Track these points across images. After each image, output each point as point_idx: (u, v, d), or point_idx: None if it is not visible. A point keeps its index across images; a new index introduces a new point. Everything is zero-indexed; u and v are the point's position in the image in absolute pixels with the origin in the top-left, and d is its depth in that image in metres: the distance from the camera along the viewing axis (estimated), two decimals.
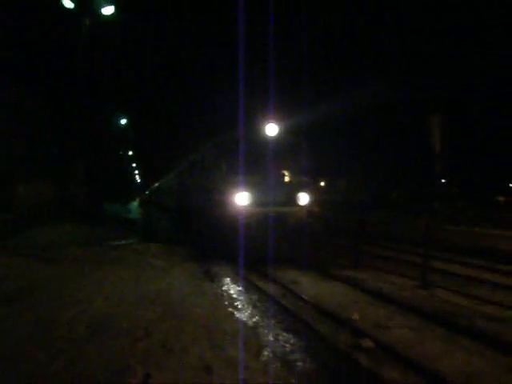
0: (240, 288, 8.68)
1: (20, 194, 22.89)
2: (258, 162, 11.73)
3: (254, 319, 6.62)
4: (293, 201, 11.83)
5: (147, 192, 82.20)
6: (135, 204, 68.48)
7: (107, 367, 4.26)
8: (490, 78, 47.66)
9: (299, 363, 4.94)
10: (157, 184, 50.96)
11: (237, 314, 6.69)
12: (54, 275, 8.67)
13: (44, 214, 21.17)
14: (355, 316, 6.62)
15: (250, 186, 11.27)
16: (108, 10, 17.33)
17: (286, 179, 11.99)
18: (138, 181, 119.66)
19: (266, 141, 11.92)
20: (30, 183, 23.75)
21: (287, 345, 5.53)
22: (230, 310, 6.93)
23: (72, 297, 6.94)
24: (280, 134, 12.21)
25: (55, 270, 9.22)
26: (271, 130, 12.01)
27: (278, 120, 12.22)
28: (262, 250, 10.58)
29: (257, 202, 11.29)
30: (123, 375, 4.09)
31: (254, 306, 7.35)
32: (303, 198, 11.94)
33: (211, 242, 12.69)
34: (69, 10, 16.98)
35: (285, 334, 5.97)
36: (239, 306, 7.27)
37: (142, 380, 4.02)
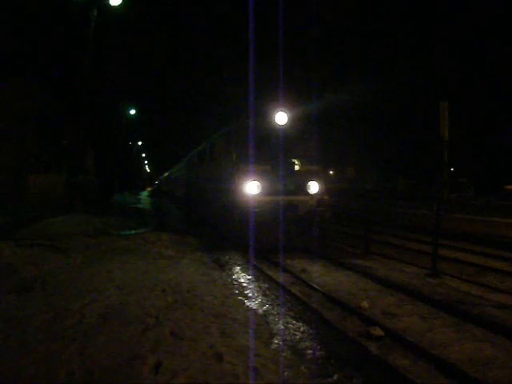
0: (250, 276, 8.71)
1: (31, 186, 23.05)
2: (268, 151, 11.73)
3: (264, 307, 6.66)
4: (303, 189, 11.82)
5: (157, 182, 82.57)
6: (145, 194, 68.68)
7: (118, 355, 4.30)
8: (494, 68, 47.15)
9: (309, 351, 4.97)
10: (166, 174, 51.12)
11: (247, 303, 6.73)
12: (66, 265, 8.74)
13: (55, 205, 21.30)
14: (364, 304, 6.64)
15: (260, 174, 11.28)
16: (115, 1, 17.29)
17: (297, 168, 11.96)
18: (148, 171, 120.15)
19: (276, 129, 11.90)
20: (41, 174, 23.92)
21: (297, 333, 5.56)
22: (241, 298, 6.97)
23: (84, 286, 7.01)
24: (290, 122, 12.18)
25: (67, 260, 9.30)
26: (281, 118, 11.99)
27: (287, 108, 12.19)
28: (272, 239, 10.61)
29: (267, 191, 11.30)
30: (134, 363, 4.14)
31: (264, 295, 7.39)
32: (313, 187, 11.92)
33: (221, 232, 12.74)
34: (77, 1, 16.99)
35: (295, 322, 6.01)
36: (249, 295, 7.31)
37: (153, 368, 4.06)
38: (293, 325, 5.88)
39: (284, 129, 11.97)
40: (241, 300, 6.85)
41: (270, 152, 11.67)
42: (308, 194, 11.85)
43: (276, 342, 5.11)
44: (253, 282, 8.31)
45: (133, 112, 45.36)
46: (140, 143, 76.75)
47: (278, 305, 6.82)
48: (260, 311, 6.45)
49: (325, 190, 12.37)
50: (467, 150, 44.99)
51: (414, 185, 50.56)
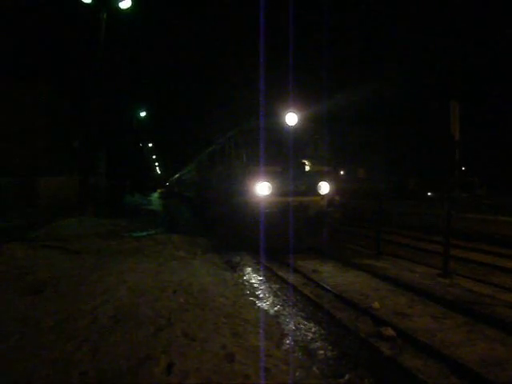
0: (261, 277, 8.72)
1: (43, 188, 23.23)
2: (279, 152, 11.74)
3: (276, 308, 6.67)
4: (313, 190, 11.81)
5: (167, 183, 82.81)
6: (156, 195, 68.87)
7: (131, 356, 4.33)
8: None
9: (320, 352, 4.97)
10: (177, 175, 51.26)
11: (258, 303, 6.74)
12: (78, 266, 8.80)
13: (67, 207, 21.44)
14: (376, 304, 6.62)
15: (271, 175, 11.28)
16: (125, 4, 17.37)
17: (307, 168, 11.95)
18: (159, 172, 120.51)
19: (286, 130, 11.90)
20: (52, 177, 24.08)
21: (308, 333, 5.56)
22: (252, 299, 6.98)
23: (95, 287, 7.05)
24: (300, 123, 12.17)
25: (79, 262, 9.35)
26: (291, 119, 11.98)
27: (297, 109, 12.19)
28: (283, 240, 10.61)
29: (277, 192, 11.30)
30: (147, 364, 4.16)
31: (275, 295, 7.40)
32: (324, 188, 11.90)
33: (232, 233, 12.75)
34: (87, 4, 17.09)
35: (306, 322, 6.01)
36: (260, 295, 7.32)
37: (166, 368, 4.08)
38: (304, 325, 5.88)
39: (294, 130, 11.97)
40: (252, 301, 6.86)
41: (281, 153, 11.69)
42: (318, 194, 11.83)
43: (287, 342, 5.12)
44: (264, 282, 8.32)
45: (143, 114, 45.62)
46: (151, 145, 77.09)
47: (290, 305, 6.83)
48: (271, 312, 6.46)
49: (335, 191, 12.36)
50: (479, 148, 44.72)
51: (425, 185, 50.30)
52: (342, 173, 55.24)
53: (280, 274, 9.05)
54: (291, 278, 8.64)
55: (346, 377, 4.35)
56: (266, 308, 6.60)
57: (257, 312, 6.20)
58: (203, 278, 7.98)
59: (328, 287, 7.80)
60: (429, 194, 45.75)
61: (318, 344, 5.21)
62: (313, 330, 5.71)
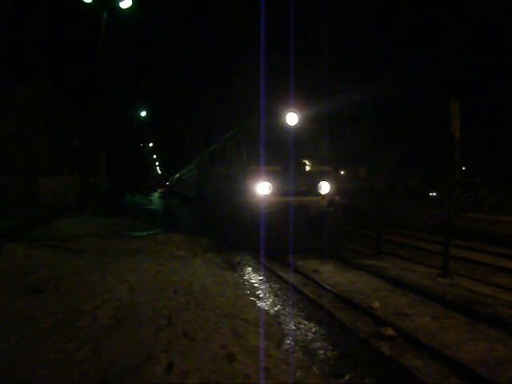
0: (261, 277, 8.73)
1: (43, 188, 23.24)
2: (279, 152, 11.73)
3: (276, 308, 6.67)
4: (314, 190, 11.81)
5: (168, 183, 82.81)
6: (156, 195, 68.87)
7: (131, 355, 4.32)
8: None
9: (321, 351, 4.97)
10: (177, 175, 51.25)
11: (258, 303, 6.74)
12: (79, 266, 8.78)
13: (67, 207, 21.45)
14: (376, 304, 6.62)
15: (271, 175, 11.27)
16: (126, 4, 17.37)
17: (308, 168, 11.94)
18: (159, 172, 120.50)
19: (286, 130, 11.90)
20: (52, 177, 24.09)
21: (309, 333, 5.56)
22: (252, 299, 6.98)
23: (96, 287, 7.03)
24: (301, 122, 12.17)
25: (79, 261, 9.34)
26: (292, 118, 11.98)
27: (298, 109, 12.18)
28: (283, 240, 10.60)
29: (278, 192, 11.29)
30: (147, 363, 4.15)
31: (276, 295, 7.40)
32: (324, 187, 11.90)
33: (233, 232, 12.75)
34: (87, 4, 17.09)
35: (306, 322, 6.01)
36: (261, 295, 7.32)
37: (166, 368, 4.07)
38: (304, 325, 5.88)
39: (295, 129, 11.97)
40: (252, 300, 6.86)
41: (281, 153, 11.68)
42: (319, 194, 11.83)
43: (288, 342, 5.12)
44: (264, 282, 8.32)
45: (143, 113, 45.66)
46: (151, 145, 77.09)
47: (290, 305, 6.83)
48: (272, 312, 6.46)
49: (336, 191, 12.35)
50: (480, 148, 44.67)
51: (427, 184, 50.30)
52: (342, 172, 55.23)
53: (280, 273, 9.05)
54: (291, 277, 8.63)
55: (347, 377, 4.35)
56: (266, 308, 6.61)
57: (257, 312, 6.20)
58: (204, 278, 7.97)
59: (328, 287, 7.80)
60: (431, 194, 45.77)
61: (319, 344, 5.21)
62: (313, 329, 5.71)
